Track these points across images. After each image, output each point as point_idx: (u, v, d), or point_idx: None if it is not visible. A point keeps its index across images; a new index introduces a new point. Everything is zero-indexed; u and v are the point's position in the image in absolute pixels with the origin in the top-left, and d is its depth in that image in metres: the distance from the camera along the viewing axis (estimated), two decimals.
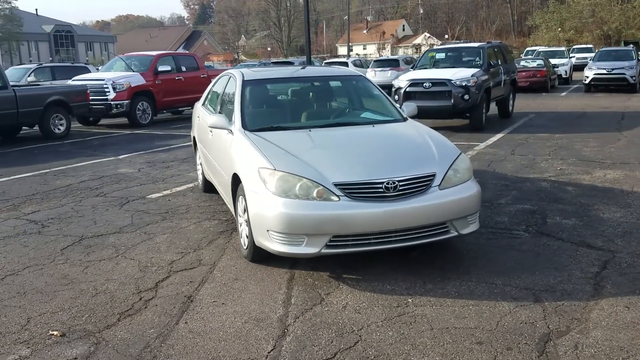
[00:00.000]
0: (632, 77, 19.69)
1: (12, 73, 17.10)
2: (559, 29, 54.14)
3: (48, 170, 8.96)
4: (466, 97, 11.38)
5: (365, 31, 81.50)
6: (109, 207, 6.57)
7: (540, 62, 22.71)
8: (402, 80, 12.23)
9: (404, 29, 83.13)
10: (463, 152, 4.77)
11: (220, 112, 5.84)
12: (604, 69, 20.19)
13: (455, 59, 13.32)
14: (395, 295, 3.90)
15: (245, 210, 4.40)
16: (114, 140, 12.67)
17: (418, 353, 3.15)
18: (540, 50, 30.41)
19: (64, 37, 69.92)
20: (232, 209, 5.11)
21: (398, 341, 3.28)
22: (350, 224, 3.95)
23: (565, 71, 25.89)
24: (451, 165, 4.39)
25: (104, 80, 14.56)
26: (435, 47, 19.18)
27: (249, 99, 5.46)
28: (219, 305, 3.85)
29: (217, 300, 3.92)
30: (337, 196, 4.00)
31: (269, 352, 3.21)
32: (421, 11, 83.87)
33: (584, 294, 3.84)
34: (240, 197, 4.57)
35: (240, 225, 4.72)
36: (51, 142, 12.33)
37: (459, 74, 11.74)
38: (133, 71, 15.26)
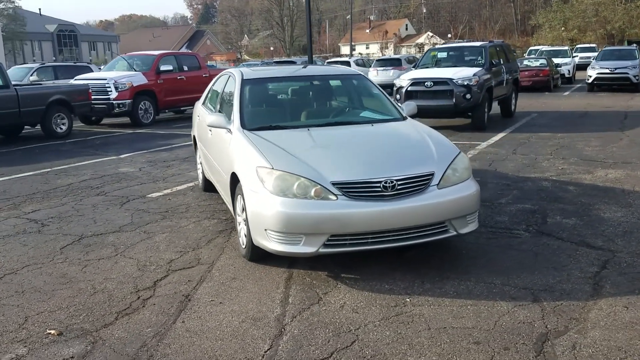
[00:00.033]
0: (635, 76, 19.63)
1: (15, 72, 17.15)
2: (562, 28, 54.00)
3: (49, 170, 8.97)
4: (468, 96, 11.36)
5: (368, 30, 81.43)
6: (109, 206, 6.58)
7: (543, 61, 22.66)
8: (404, 80, 12.20)
9: (406, 29, 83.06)
10: (465, 151, 4.77)
11: (219, 111, 5.84)
12: (607, 68, 20.13)
13: (457, 58, 13.28)
14: (393, 295, 3.89)
15: (244, 209, 4.40)
16: (116, 139, 12.69)
17: (415, 353, 3.14)
18: (543, 49, 30.34)
19: (67, 36, 70.06)
20: (231, 208, 5.11)
21: (395, 341, 3.27)
22: (348, 223, 3.94)
23: (569, 70, 25.82)
24: (450, 164, 4.38)
25: (106, 79, 14.58)
26: (437, 46, 19.15)
27: (248, 98, 5.45)
28: (216, 304, 3.84)
29: (214, 300, 3.91)
30: (335, 195, 3.99)
31: (265, 352, 3.20)
32: (424, 10, 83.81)
33: (583, 293, 3.83)
34: (239, 196, 4.56)
35: (239, 225, 4.71)
36: (53, 142, 12.35)
37: (460, 73, 11.72)
38: (135, 71, 15.28)
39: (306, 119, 5.42)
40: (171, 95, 15.58)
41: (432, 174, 4.23)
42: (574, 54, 32.68)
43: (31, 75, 17.01)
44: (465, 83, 11.40)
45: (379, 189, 4.03)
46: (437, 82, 11.68)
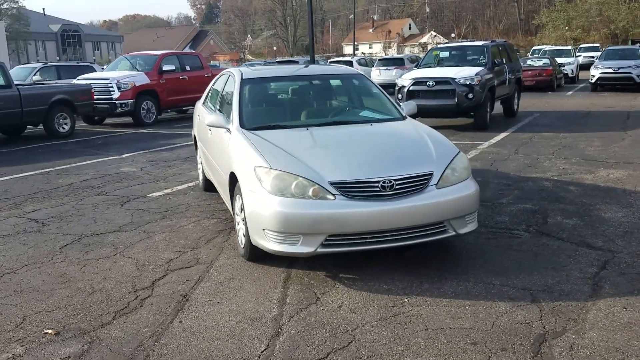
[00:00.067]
0: (638, 76, 19.55)
1: (18, 72, 17.19)
2: (566, 28, 53.83)
3: (51, 169, 8.99)
4: (470, 95, 11.33)
5: (371, 30, 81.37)
6: (110, 205, 6.58)
7: (546, 61, 22.60)
8: (406, 79, 12.18)
9: (410, 28, 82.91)
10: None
11: (219, 111, 5.83)
12: (610, 68, 20.07)
13: (459, 58, 13.24)
14: (391, 295, 3.88)
15: (242, 209, 4.39)
16: (118, 139, 12.71)
17: (411, 353, 3.13)
18: (546, 49, 30.24)
19: (71, 36, 70.21)
20: (230, 208, 5.11)
21: (392, 341, 3.26)
22: (345, 223, 3.93)
23: (572, 70, 25.75)
24: (449, 164, 4.36)
25: (108, 79, 14.61)
26: (439, 45, 19.12)
27: (247, 98, 5.45)
28: (214, 304, 3.84)
29: (212, 299, 3.91)
30: (333, 195, 3.99)
31: (261, 352, 3.20)
32: (428, 10, 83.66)
33: (582, 294, 3.81)
34: (238, 195, 4.56)
35: (238, 224, 4.71)
36: (55, 141, 12.38)
37: (462, 73, 11.69)
38: (137, 70, 15.30)
39: (305, 119, 5.41)
40: (173, 95, 15.59)
41: (431, 174, 4.21)
42: (578, 54, 32.58)
43: (34, 75, 17.05)
44: (468, 82, 11.38)
45: (377, 189, 4.02)
46: (439, 81, 11.65)
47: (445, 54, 13.79)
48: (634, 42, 36.01)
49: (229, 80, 5.99)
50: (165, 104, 15.62)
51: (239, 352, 3.21)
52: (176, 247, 5.03)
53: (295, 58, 36.99)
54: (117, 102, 14.40)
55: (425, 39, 71.70)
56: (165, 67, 15.45)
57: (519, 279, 4.09)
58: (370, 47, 78.01)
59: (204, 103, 6.99)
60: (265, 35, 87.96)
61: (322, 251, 4.01)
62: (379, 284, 4.07)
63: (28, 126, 13.57)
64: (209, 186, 6.78)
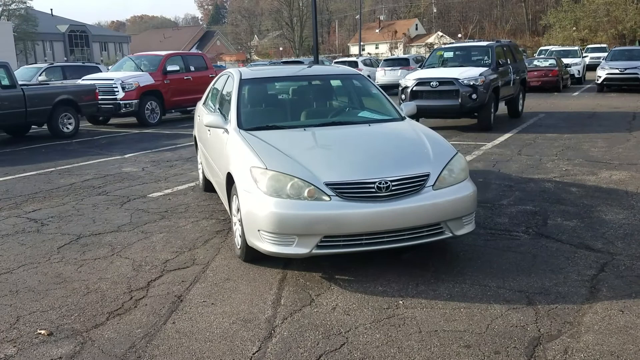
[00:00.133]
0: None
1: (24, 72, 17.28)
2: (574, 29, 53.55)
3: (53, 169, 9.01)
4: (474, 96, 11.27)
5: (377, 30, 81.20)
6: (110, 205, 6.59)
7: (553, 61, 22.47)
8: (409, 80, 12.13)
9: (416, 28, 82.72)
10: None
11: (219, 111, 5.82)
12: (616, 68, 19.93)
13: (463, 58, 13.18)
14: (386, 297, 3.86)
15: (239, 209, 4.38)
16: (122, 139, 12.74)
17: (404, 356, 3.10)
18: (553, 49, 30.08)
19: (78, 37, 70.47)
20: (227, 209, 5.10)
21: (385, 344, 3.24)
22: (341, 224, 3.91)
23: (578, 71, 25.59)
24: (446, 165, 4.33)
25: (113, 79, 14.66)
26: (443, 45, 19.05)
27: (245, 98, 5.44)
28: (208, 305, 3.83)
29: (206, 300, 3.90)
30: (329, 196, 3.96)
31: (253, 354, 3.18)
32: (434, 10, 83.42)
33: (579, 297, 3.77)
34: (234, 196, 4.54)
35: (235, 225, 4.70)
36: (59, 141, 12.42)
37: (466, 73, 11.63)
38: (142, 71, 15.34)
39: (303, 119, 5.39)
40: (177, 95, 15.62)
41: (428, 175, 4.18)
42: (585, 54, 32.38)
43: (40, 75, 17.13)
44: (472, 83, 11.32)
45: (373, 190, 3.99)
46: (442, 82, 11.60)
47: (450, 54, 13.74)
48: None
49: (229, 80, 5.98)
50: (170, 105, 15.65)
51: (231, 353, 3.19)
52: (173, 247, 5.03)
53: (300, 58, 36.96)
54: (121, 102, 14.44)
55: (431, 39, 71.44)
56: (169, 68, 15.49)
57: (516, 281, 4.05)
58: (376, 48, 77.88)
59: (204, 103, 6.98)
60: (272, 36, 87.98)
61: (317, 252, 3.99)
62: (375, 285, 4.04)
63: (32, 126, 13.62)
64: (208, 186, 6.78)
